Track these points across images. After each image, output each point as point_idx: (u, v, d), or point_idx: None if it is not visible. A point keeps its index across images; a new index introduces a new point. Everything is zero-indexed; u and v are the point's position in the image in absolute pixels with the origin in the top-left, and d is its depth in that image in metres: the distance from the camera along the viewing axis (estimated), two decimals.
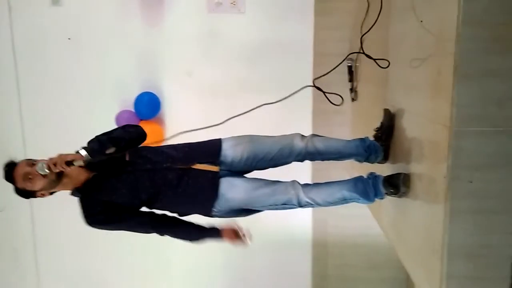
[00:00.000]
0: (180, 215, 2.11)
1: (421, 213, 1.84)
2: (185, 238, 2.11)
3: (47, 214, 3.83)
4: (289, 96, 2.09)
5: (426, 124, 1.75)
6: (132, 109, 3.38)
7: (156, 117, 3.47)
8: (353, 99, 3.11)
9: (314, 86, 2.28)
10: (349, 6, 3.19)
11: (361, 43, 2.24)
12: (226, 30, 3.44)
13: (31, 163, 1.88)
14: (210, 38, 3.47)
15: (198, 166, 2.01)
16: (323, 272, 3.97)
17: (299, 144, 2.08)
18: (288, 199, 2.01)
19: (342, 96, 2.34)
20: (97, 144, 1.90)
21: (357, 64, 2.98)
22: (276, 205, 2.03)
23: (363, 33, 2.26)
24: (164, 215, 2.08)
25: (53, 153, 3.04)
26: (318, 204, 2.04)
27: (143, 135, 2.08)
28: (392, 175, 2.00)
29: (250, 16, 3.40)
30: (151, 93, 3.42)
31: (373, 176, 2.06)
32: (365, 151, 2.11)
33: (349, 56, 3.04)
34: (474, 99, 1.45)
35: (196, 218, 2.16)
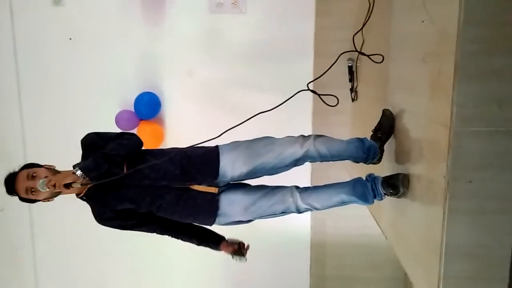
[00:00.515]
0: (181, 221, 2.16)
1: (420, 213, 1.84)
2: (189, 242, 2.22)
3: (46, 213, 3.82)
4: (284, 102, 2.09)
5: (426, 124, 1.76)
6: (132, 109, 3.39)
7: (156, 117, 3.47)
8: (353, 99, 3.12)
9: (309, 89, 2.26)
10: (351, 6, 3.20)
11: (353, 41, 2.24)
12: (227, 30, 3.45)
13: (31, 175, 1.89)
14: (211, 38, 3.47)
15: (197, 187, 2.01)
16: (322, 272, 3.97)
17: (300, 152, 2.04)
18: (286, 207, 2.05)
19: (338, 97, 2.33)
20: (93, 164, 1.87)
21: (357, 64, 2.98)
22: (275, 214, 2.08)
23: (371, 35, 2.27)
24: (172, 221, 2.13)
25: (53, 154, 3.06)
26: (317, 209, 2.07)
27: (138, 145, 2.05)
28: (391, 176, 2.00)
29: (251, 16, 3.40)
30: (151, 93, 3.42)
31: (372, 178, 2.06)
32: (364, 153, 2.10)
33: (350, 57, 3.05)
34: (475, 99, 1.46)
35: None
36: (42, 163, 2.06)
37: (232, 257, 2.23)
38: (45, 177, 1.87)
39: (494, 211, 1.54)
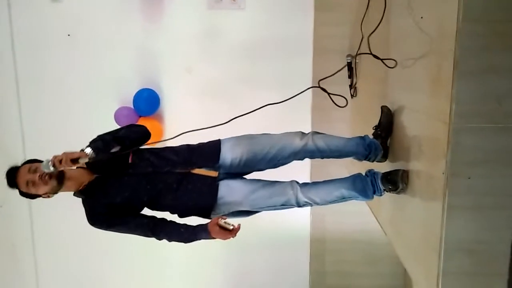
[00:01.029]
0: (180, 216, 2.10)
1: (419, 209, 1.85)
2: (180, 241, 2.06)
3: (46, 210, 3.83)
4: (294, 96, 2.11)
5: (426, 121, 1.76)
6: (131, 106, 3.38)
7: (155, 114, 3.47)
8: (352, 96, 3.12)
9: (320, 87, 2.29)
10: (350, 2, 3.19)
11: (369, 43, 2.22)
12: (226, 27, 3.44)
13: (33, 169, 1.89)
14: (209, 34, 3.46)
15: (197, 171, 2.04)
16: (321, 268, 3.98)
17: (299, 144, 2.07)
18: (286, 200, 2.03)
19: (346, 98, 2.35)
20: (102, 143, 1.90)
21: (357, 61, 2.98)
22: (275, 206, 2.05)
23: (370, 32, 2.26)
24: (163, 219, 2.06)
25: (52, 150, 3.05)
26: (317, 203, 2.06)
27: (147, 135, 2.09)
28: (390, 172, 2.01)
29: (250, 12, 3.40)
30: (150, 89, 3.42)
31: (371, 173, 2.07)
32: (365, 149, 2.11)
33: (349, 53, 3.05)
34: (474, 95, 1.46)
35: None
36: (43, 160, 2.06)
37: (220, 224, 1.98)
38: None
39: (493, 207, 1.54)
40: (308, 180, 3.64)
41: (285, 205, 2.05)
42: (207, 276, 4.02)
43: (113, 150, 1.92)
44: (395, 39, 2.18)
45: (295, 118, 3.19)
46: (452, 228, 1.57)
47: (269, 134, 2.15)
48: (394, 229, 2.28)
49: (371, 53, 2.23)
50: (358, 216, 3.52)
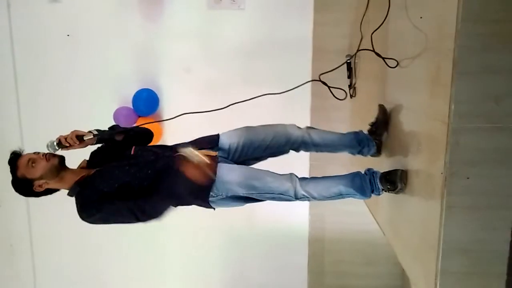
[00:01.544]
0: (176, 204, 2.07)
1: (417, 209, 1.85)
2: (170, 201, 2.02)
3: (44, 210, 3.82)
4: (294, 88, 2.14)
5: (424, 120, 1.76)
6: (131, 106, 3.38)
7: (154, 114, 3.47)
8: (351, 96, 3.12)
9: (320, 80, 2.30)
10: (349, 2, 3.19)
11: (372, 40, 2.22)
12: (225, 27, 3.44)
13: (37, 153, 1.94)
14: (209, 34, 3.47)
15: (199, 152, 2.04)
16: (320, 268, 3.98)
17: (295, 133, 2.15)
18: (284, 190, 2.02)
19: (345, 91, 2.40)
20: (108, 129, 2.04)
21: (356, 61, 2.98)
22: (273, 194, 2.02)
23: (369, 31, 2.26)
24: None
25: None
26: (314, 198, 2.04)
27: (151, 133, 2.21)
28: (389, 172, 2.01)
29: (249, 12, 3.40)
30: (149, 89, 3.42)
31: (370, 172, 2.08)
32: (358, 144, 2.18)
33: (348, 53, 3.04)
34: (473, 95, 1.46)
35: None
36: None
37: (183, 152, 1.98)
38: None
39: (492, 207, 1.55)
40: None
41: (282, 195, 2.03)
42: (205, 275, 4.02)
43: (118, 137, 2.01)
44: (394, 39, 2.18)
45: (294, 120, 3.20)
46: (450, 228, 1.57)
47: (266, 124, 2.21)
48: (393, 229, 2.28)
49: (373, 50, 2.21)
50: (356, 216, 3.52)
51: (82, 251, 3.92)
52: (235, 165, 2.07)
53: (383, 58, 2.14)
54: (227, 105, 2.05)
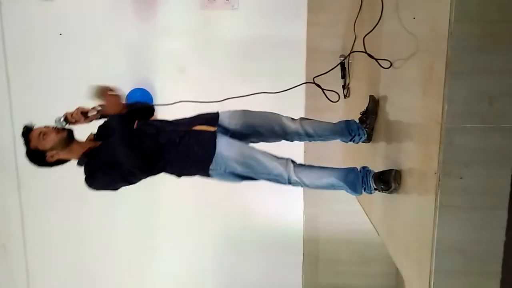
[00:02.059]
0: (179, 175, 2.21)
1: (411, 209, 1.86)
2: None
3: (37, 210, 3.80)
4: (289, 89, 2.22)
5: (418, 121, 1.77)
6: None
7: None
8: (345, 96, 3.12)
9: (314, 83, 2.37)
10: (343, 2, 3.20)
11: (364, 43, 2.24)
12: (219, 26, 3.43)
13: (47, 126, 2.09)
14: (203, 34, 3.46)
15: (198, 128, 2.17)
16: (314, 267, 3.99)
17: (289, 124, 2.30)
18: (279, 173, 2.09)
19: (339, 93, 2.46)
20: None
21: (350, 61, 2.98)
22: (269, 174, 2.10)
23: (363, 32, 2.27)
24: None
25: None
26: (306, 185, 2.12)
27: (152, 107, 2.36)
28: (383, 172, 2.03)
29: (243, 12, 3.40)
30: (143, 89, 3.40)
31: (365, 170, 2.11)
32: (349, 133, 2.31)
33: (342, 53, 3.05)
34: (466, 95, 1.47)
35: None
36: None
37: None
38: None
39: (485, 207, 1.55)
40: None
41: (277, 177, 2.10)
42: (200, 275, 4.01)
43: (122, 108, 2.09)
44: (387, 40, 2.19)
45: None
46: (444, 228, 1.57)
47: (263, 111, 2.32)
48: (387, 229, 2.29)
49: (366, 52, 2.23)
50: (351, 216, 3.53)
51: (75, 251, 3.90)
52: (236, 141, 2.14)
53: (376, 60, 2.16)
54: (223, 99, 2.17)
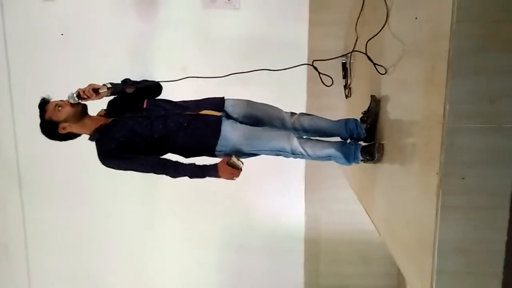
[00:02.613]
0: (186, 156, 2.32)
1: (413, 209, 1.85)
2: (186, 174, 2.24)
3: (38, 210, 3.81)
4: (289, 68, 2.35)
5: (420, 121, 1.76)
6: None
7: None
8: (347, 96, 3.12)
9: (312, 65, 2.45)
10: (344, 3, 3.20)
11: (366, 47, 2.27)
12: (220, 26, 3.44)
13: (63, 100, 2.19)
14: (204, 34, 3.46)
15: (205, 112, 2.30)
16: (315, 268, 3.99)
17: (288, 119, 2.41)
18: (283, 147, 2.23)
19: (332, 78, 2.51)
20: (120, 82, 2.26)
21: (351, 61, 2.98)
22: (272, 150, 2.26)
23: (364, 32, 2.29)
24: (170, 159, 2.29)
25: (46, 150, 3.02)
26: (308, 156, 2.25)
27: (160, 85, 2.41)
28: (369, 144, 2.26)
29: (245, 12, 3.40)
30: None
31: (355, 144, 2.30)
32: (346, 132, 2.36)
33: (343, 53, 3.05)
34: (468, 96, 1.46)
35: None
36: None
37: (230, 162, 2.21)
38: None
39: (487, 207, 1.55)
40: (302, 180, 3.66)
41: (280, 152, 2.25)
42: (201, 276, 4.01)
43: (129, 90, 2.23)
44: (389, 40, 2.18)
45: None
46: (446, 228, 1.57)
47: (266, 104, 2.44)
48: (388, 229, 2.28)
49: (365, 54, 2.24)
50: (352, 216, 3.53)
51: (77, 252, 3.91)
52: (239, 124, 2.28)
53: (374, 64, 2.18)
54: (228, 74, 2.30)
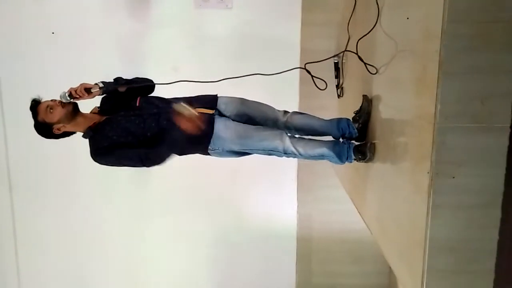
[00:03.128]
0: (180, 154, 2.33)
1: (404, 208, 1.86)
2: (171, 152, 2.26)
3: (28, 210, 3.78)
4: (282, 72, 2.30)
5: (410, 120, 1.77)
6: None
7: None
8: (339, 96, 3.13)
9: (305, 69, 2.44)
10: (337, 2, 3.21)
11: (357, 46, 2.28)
12: (213, 26, 3.43)
13: (54, 100, 2.18)
14: (197, 33, 3.45)
15: (198, 110, 2.23)
16: (308, 267, 4.00)
17: (281, 118, 2.42)
18: (274, 147, 2.25)
19: (326, 82, 2.52)
20: (113, 81, 2.24)
21: (343, 61, 2.99)
22: (264, 150, 2.27)
23: (356, 31, 2.29)
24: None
25: (36, 150, 2.99)
26: (300, 155, 2.27)
27: (152, 84, 2.40)
28: (361, 144, 2.28)
29: (237, 11, 3.40)
30: None
31: (348, 143, 2.31)
32: (338, 131, 2.36)
33: (335, 53, 3.05)
34: (458, 96, 1.47)
35: None
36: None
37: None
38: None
39: (478, 206, 1.56)
40: (294, 180, 3.66)
41: (273, 151, 2.26)
42: (193, 276, 4.00)
43: (121, 89, 2.23)
44: (381, 40, 2.19)
45: None
46: (437, 227, 1.58)
47: (259, 102, 2.44)
48: (380, 228, 2.29)
49: (357, 54, 2.25)
50: (344, 215, 3.54)
51: (67, 251, 3.88)
52: (231, 122, 2.29)
53: (365, 64, 2.19)
54: (219, 79, 2.26)
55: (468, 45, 1.45)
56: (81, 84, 2.15)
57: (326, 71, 2.77)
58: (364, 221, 2.61)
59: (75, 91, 2.13)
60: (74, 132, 2.28)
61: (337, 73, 3.07)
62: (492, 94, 1.47)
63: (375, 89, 2.31)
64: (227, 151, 2.29)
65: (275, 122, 2.40)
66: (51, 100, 2.19)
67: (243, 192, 3.76)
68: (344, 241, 3.89)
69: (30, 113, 2.23)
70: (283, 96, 3.14)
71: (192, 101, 2.33)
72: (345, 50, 2.51)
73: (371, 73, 2.17)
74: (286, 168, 3.62)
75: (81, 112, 2.24)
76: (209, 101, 2.36)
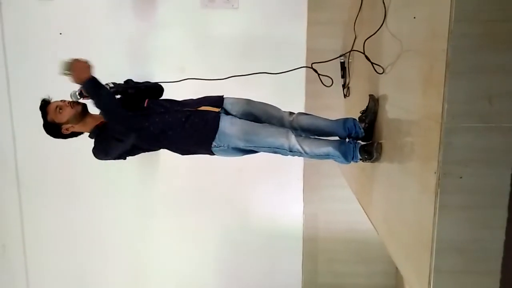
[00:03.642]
0: (182, 153, 2.36)
1: (411, 208, 1.86)
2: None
3: (37, 210, 3.80)
4: (288, 71, 2.36)
5: (418, 120, 1.77)
6: None
7: None
8: (345, 96, 3.12)
9: (312, 67, 2.46)
10: (343, 2, 3.20)
11: (364, 46, 2.28)
12: (219, 26, 3.43)
13: (63, 100, 2.23)
14: (203, 33, 3.46)
15: (203, 108, 2.32)
16: (314, 267, 3.99)
17: (287, 118, 2.43)
18: (280, 144, 2.23)
19: (332, 78, 2.54)
20: (123, 83, 2.31)
21: (350, 60, 2.98)
22: (270, 147, 2.25)
23: (363, 31, 2.29)
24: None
25: (44, 150, 2.99)
26: (305, 153, 2.25)
27: (161, 87, 2.46)
28: (367, 144, 2.26)
29: (243, 11, 3.40)
30: None
31: (354, 142, 2.30)
32: (344, 131, 2.36)
33: (342, 53, 3.05)
34: (466, 95, 1.47)
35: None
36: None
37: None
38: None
39: (485, 206, 1.55)
40: (300, 179, 3.66)
41: (278, 149, 2.25)
42: (200, 276, 4.01)
43: (130, 90, 2.29)
44: (387, 39, 2.19)
45: None
46: (444, 227, 1.57)
47: (265, 103, 2.45)
48: (386, 228, 2.29)
49: (363, 53, 2.25)
50: (350, 215, 3.53)
51: (75, 251, 3.91)
52: (237, 120, 2.28)
53: (372, 63, 2.18)
54: (227, 76, 2.35)
55: (475, 45, 1.44)
56: None
57: (332, 70, 2.76)
58: (371, 221, 2.60)
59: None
60: (82, 133, 2.31)
61: (343, 73, 3.07)
62: (499, 94, 1.46)
63: (382, 89, 2.30)
64: (233, 149, 2.28)
65: (281, 122, 2.41)
66: (61, 101, 2.23)
67: (249, 191, 3.76)
68: (350, 241, 3.88)
69: (38, 112, 2.25)
70: (289, 95, 3.15)
71: (199, 101, 2.37)
72: (352, 50, 2.51)
73: (377, 72, 2.17)
74: (292, 168, 3.62)
75: (90, 113, 2.28)
76: (215, 101, 2.37)
